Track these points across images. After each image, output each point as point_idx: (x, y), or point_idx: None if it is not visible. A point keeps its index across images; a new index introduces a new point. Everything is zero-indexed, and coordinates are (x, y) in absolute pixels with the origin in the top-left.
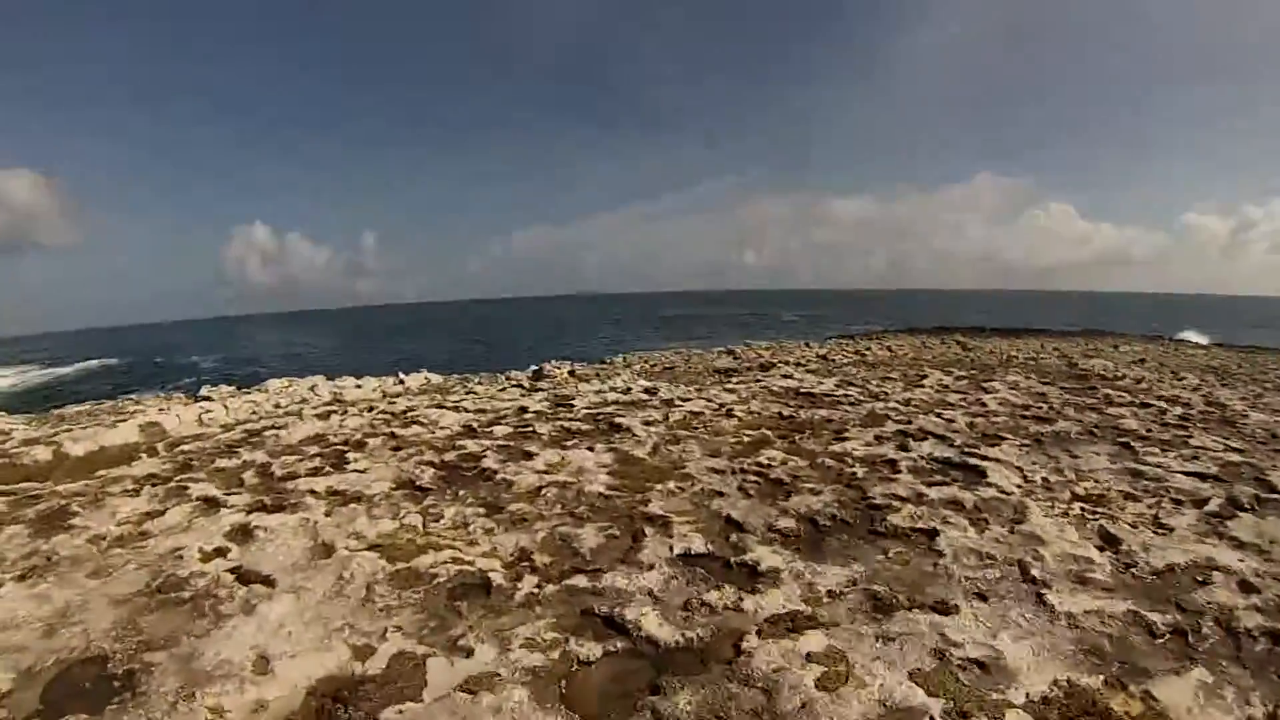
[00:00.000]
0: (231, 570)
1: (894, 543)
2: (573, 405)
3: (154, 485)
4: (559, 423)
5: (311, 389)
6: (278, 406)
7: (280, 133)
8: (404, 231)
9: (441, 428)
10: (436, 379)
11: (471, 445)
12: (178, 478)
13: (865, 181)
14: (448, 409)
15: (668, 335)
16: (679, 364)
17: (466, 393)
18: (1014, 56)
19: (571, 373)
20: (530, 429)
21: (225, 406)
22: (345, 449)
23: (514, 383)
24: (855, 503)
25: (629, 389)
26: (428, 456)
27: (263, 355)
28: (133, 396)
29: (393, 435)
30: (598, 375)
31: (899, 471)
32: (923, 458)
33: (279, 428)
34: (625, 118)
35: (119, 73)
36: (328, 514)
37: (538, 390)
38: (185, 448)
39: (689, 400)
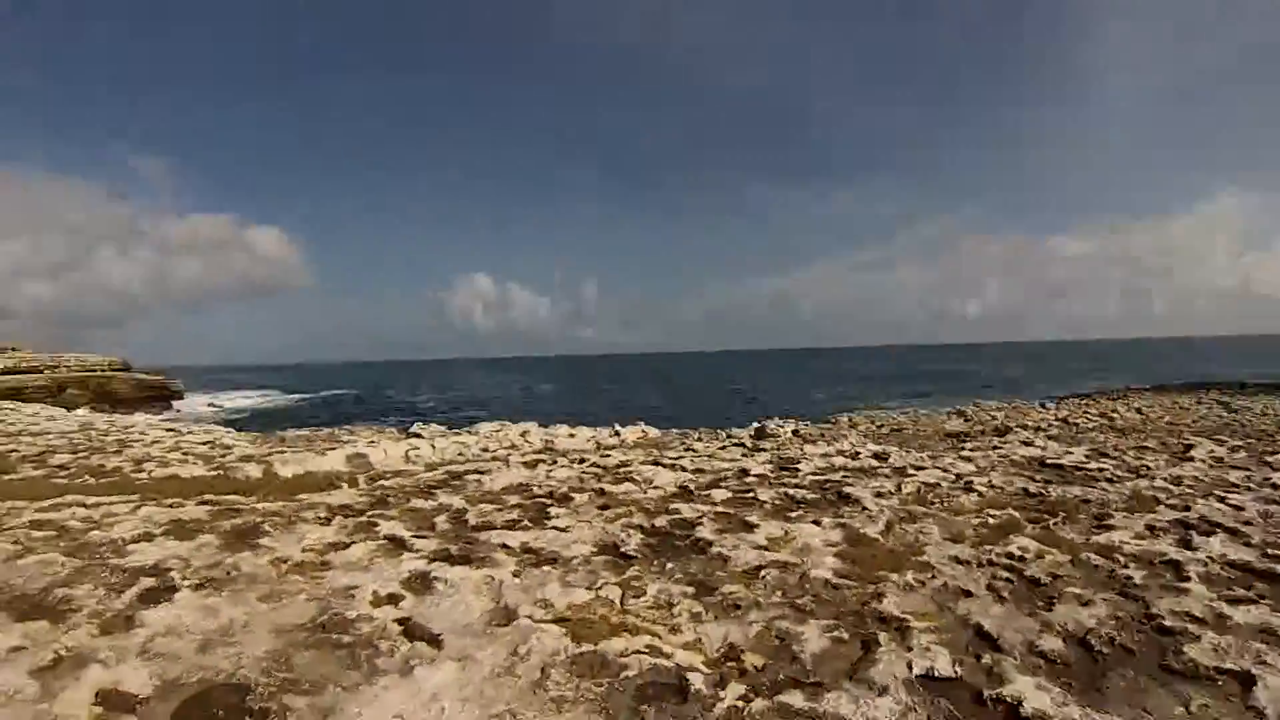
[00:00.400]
0: (400, 621)
1: (1195, 688)
2: (798, 469)
3: (346, 516)
4: (782, 489)
5: (523, 435)
6: (485, 450)
7: (502, 193)
8: (622, 282)
9: (655, 487)
10: (654, 433)
11: (686, 510)
12: (370, 512)
13: (1090, 213)
14: (664, 466)
15: (888, 392)
16: (907, 426)
17: (685, 450)
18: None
19: (795, 433)
20: (751, 494)
21: (433, 445)
22: (548, 502)
23: (735, 441)
24: (1138, 621)
25: (857, 453)
26: (637, 519)
27: (480, 397)
28: (349, 427)
29: (601, 491)
30: (823, 436)
31: (1187, 578)
32: (1214, 559)
33: (482, 472)
34: (822, 163)
35: (347, 134)
36: (516, 574)
37: (760, 451)
38: (385, 483)
39: (922, 469)
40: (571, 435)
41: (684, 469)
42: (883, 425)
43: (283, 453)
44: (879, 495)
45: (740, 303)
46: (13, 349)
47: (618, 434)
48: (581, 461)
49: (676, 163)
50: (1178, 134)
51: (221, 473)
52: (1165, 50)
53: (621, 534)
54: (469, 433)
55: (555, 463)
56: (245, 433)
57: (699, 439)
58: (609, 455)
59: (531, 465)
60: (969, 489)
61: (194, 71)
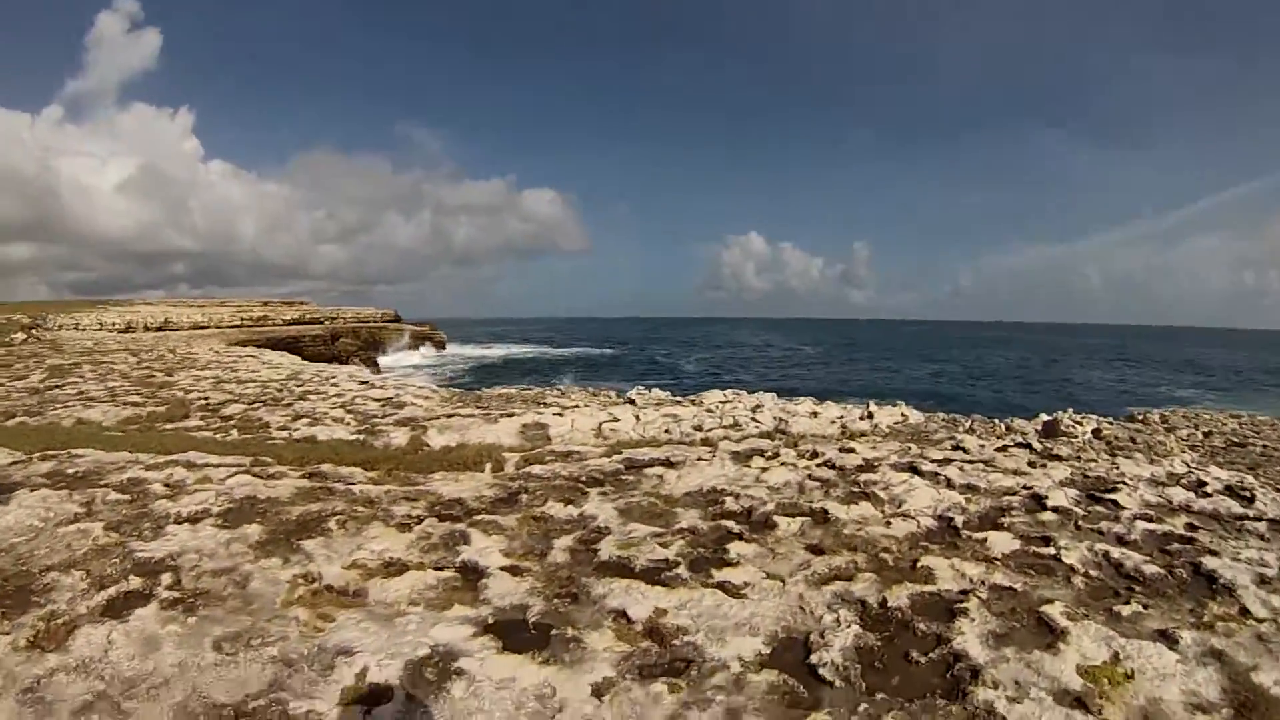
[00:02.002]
0: None
1: None
2: (1116, 503)
3: (442, 518)
4: (1100, 545)
5: (754, 410)
6: (698, 429)
7: (773, 153)
8: (896, 244)
9: (903, 514)
10: (916, 417)
11: (943, 571)
12: (480, 515)
13: None
14: (922, 476)
15: (1187, 382)
16: (1250, 437)
17: (953, 448)
18: None
19: (1097, 433)
20: (1051, 550)
21: (638, 417)
22: (737, 527)
23: (1016, 438)
24: None
25: (1201, 483)
26: (860, 584)
27: (743, 357)
28: (561, 387)
29: (824, 515)
30: (1134, 443)
31: None
32: None
33: (673, 464)
34: (1112, 123)
35: (620, 101)
36: (600, 692)
37: (1053, 459)
38: (537, 469)
39: None
40: (814, 414)
41: (950, 483)
42: (1211, 432)
43: (454, 416)
44: (1263, 581)
45: (1018, 271)
46: (301, 303)
47: (870, 416)
48: (814, 456)
49: (956, 118)
50: None
51: (364, 437)
52: None
53: (826, 616)
54: (690, 402)
55: (777, 455)
56: (447, 389)
57: (971, 429)
58: (852, 449)
59: (744, 458)
60: None
61: (471, 47)
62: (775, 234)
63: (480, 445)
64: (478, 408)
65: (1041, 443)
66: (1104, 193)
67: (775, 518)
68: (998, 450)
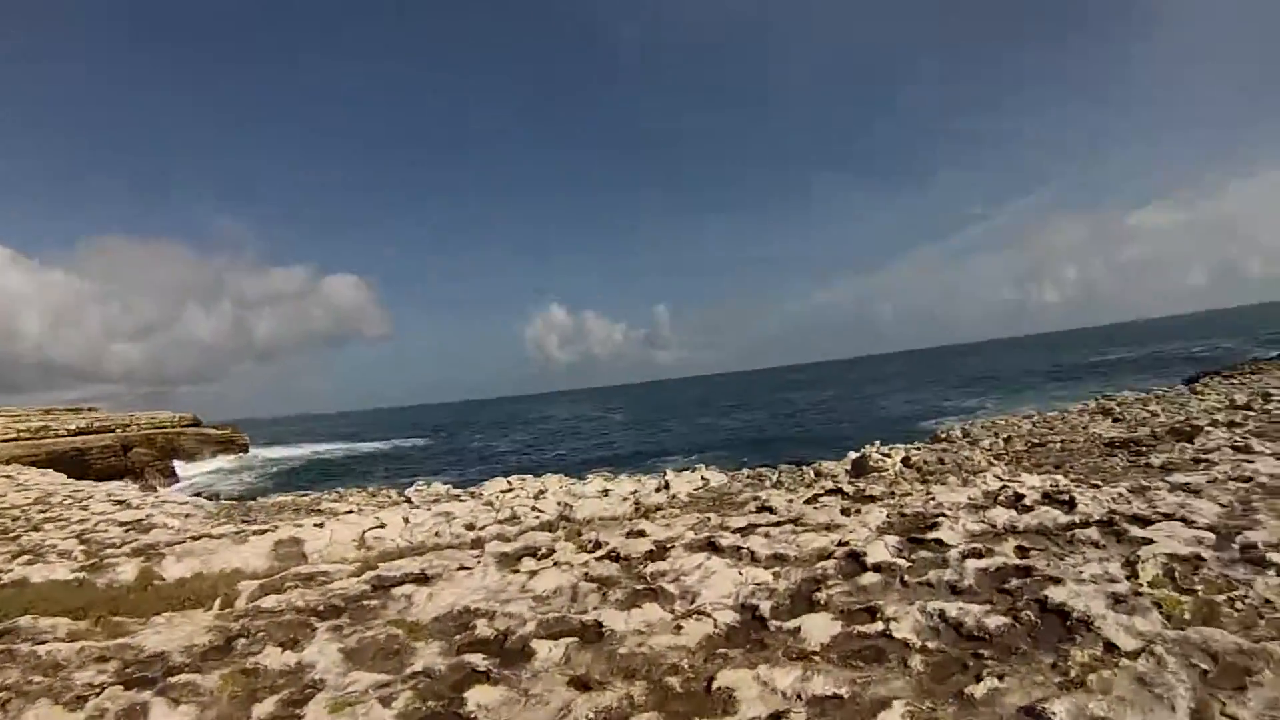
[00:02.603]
0: None
1: None
2: (941, 543)
3: (128, 686)
4: (934, 603)
5: (537, 498)
6: (470, 527)
7: (569, 219)
8: (696, 301)
9: (698, 613)
10: (717, 479)
11: (748, 688)
12: (170, 678)
13: (1168, 182)
14: (721, 554)
15: (982, 392)
16: (1047, 435)
17: (759, 508)
18: None
19: (907, 462)
20: (880, 626)
21: (407, 520)
22: (483, 663)
23: (827, 484)
24: None
25: (1018, 495)
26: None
27: (558, 431)
28: (340, 490)
29: (597, 630)
30: (942, 462)
31: None
32: None
33: (428, 579)
34: (885, 161)
35: (405, 177)
36: None
37: (866, 500)
38: (269, 601)
39: (1143, 521)
40: (604, 492)
41: (754, 556)
42: (1011, 437)
43: (202, 538)
44: (1117, 602)
45: (818, 311)
46: (89, 409)
47: (666, 486)
48: (596, 547)
49: (737, 174)
50: (1252, 81)
51: (86, 575)
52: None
53: None
54: (470, 495)
55: (552, 553)
56: (216, 503)
57: (778, 482)
58: (642, 532)
59: (513, 560)
60: (1262, 563)
61: (267, 130)
62: (576, 304)
63: (220, 574)
64: (242, 522)
65: (853, 484)
66: (885, 228)
67: (535, 642)
68: (807, 503)
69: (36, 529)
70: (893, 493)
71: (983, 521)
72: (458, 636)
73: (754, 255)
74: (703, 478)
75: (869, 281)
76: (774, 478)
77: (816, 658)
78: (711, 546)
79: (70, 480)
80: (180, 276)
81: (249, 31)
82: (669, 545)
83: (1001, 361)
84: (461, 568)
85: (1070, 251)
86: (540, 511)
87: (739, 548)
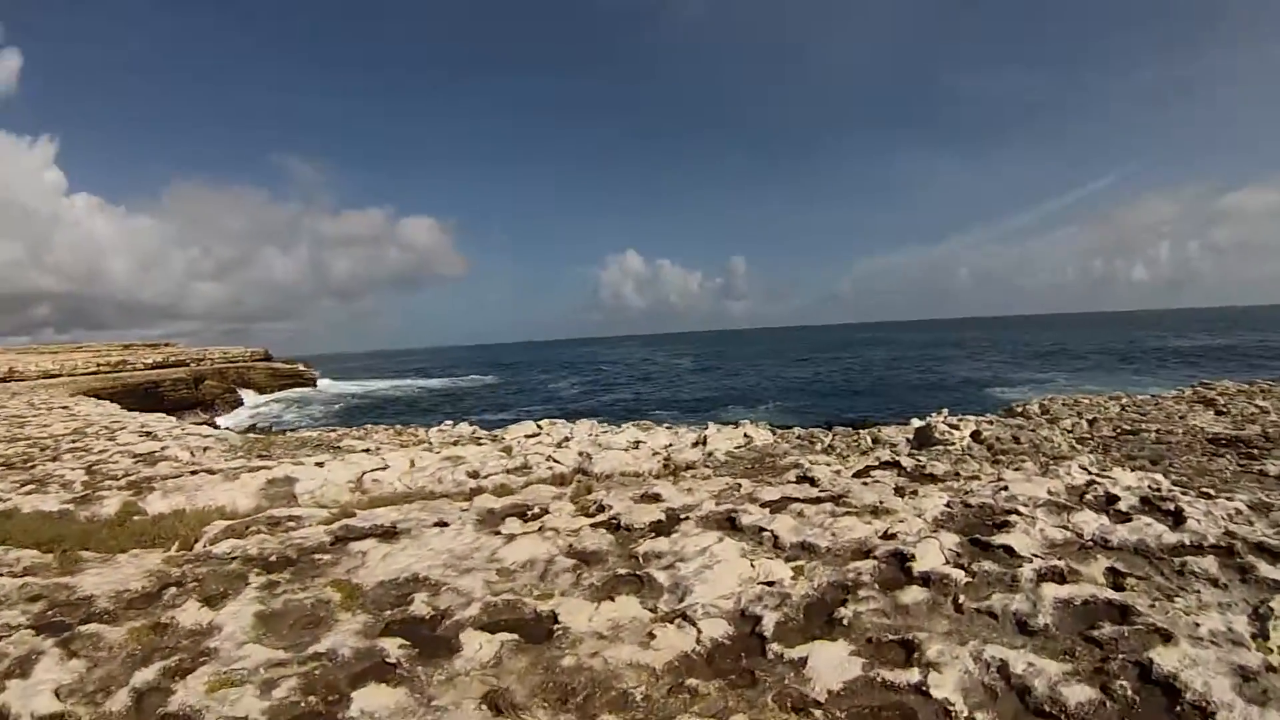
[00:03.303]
0: None
1: None
2: (1009, 550)
3: (39, 632)
4: (990, 648)
5: (559, 445)
6: (473, 474)
7: (648, 172)
8: (772, 256)
9: (683, 615)
10: (762, 438)
11: None
12: (83, 626)
13: (1273, 162)
14: (740, 531)
15: (1054, 366)
16: (1141, 422)
17: (799, 478)
18: None
19: (977, 436)
20: (914, 669)
21: (413, 463)
22: (395, 651)
23: (884, 453)
24: None
25: (1112, 497)
26: None
27: (624, 375)
28: (369, 426)
29: (549, 627)
30: (1017, 441)
31: None
32: None
33: (397, 534)
34: (971, 125)
35: (483, 126)
36: None
37: (925, 479)
38: (223, 546)
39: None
40: (635, 445)
41: (777, 542)
42: (1096, 419)
43: (199, 473)
44: (1245, 680)
45: (890, 272)
46: (166, 344)
47: (704, 442)
48: (599, 510)
49: (821, 132)
50: None
51: (73, 507)
52: None
53: None
54: (492, 439)
55: (545, 513)
56: (242, 435)
57: (830, 446)
58: (657, 495)
59: (498, 519)
60: None
61: (337, 76)
62: (652, 252)
63: (201, 511)
64: (258, 457)
65: (913, 456)
66: (966, 196)
67: (467, 633)
68: (856, 476)
69: (56, 459)
70: (958, 473)
71: (1066, 527)
72: (389, 611)
73: (828, 214)
74: (746, 434)
75: (946, 248)
76: (826, 440)
77: (818, 713)
78: (730, 523)
79: (119, 411)
80: (259, 220)
81: None
82: (682, 516)
83: (1077, 336)
84: (440, 523)
85: (1158, 230)
86: (556, 462)
87: (761, 529)
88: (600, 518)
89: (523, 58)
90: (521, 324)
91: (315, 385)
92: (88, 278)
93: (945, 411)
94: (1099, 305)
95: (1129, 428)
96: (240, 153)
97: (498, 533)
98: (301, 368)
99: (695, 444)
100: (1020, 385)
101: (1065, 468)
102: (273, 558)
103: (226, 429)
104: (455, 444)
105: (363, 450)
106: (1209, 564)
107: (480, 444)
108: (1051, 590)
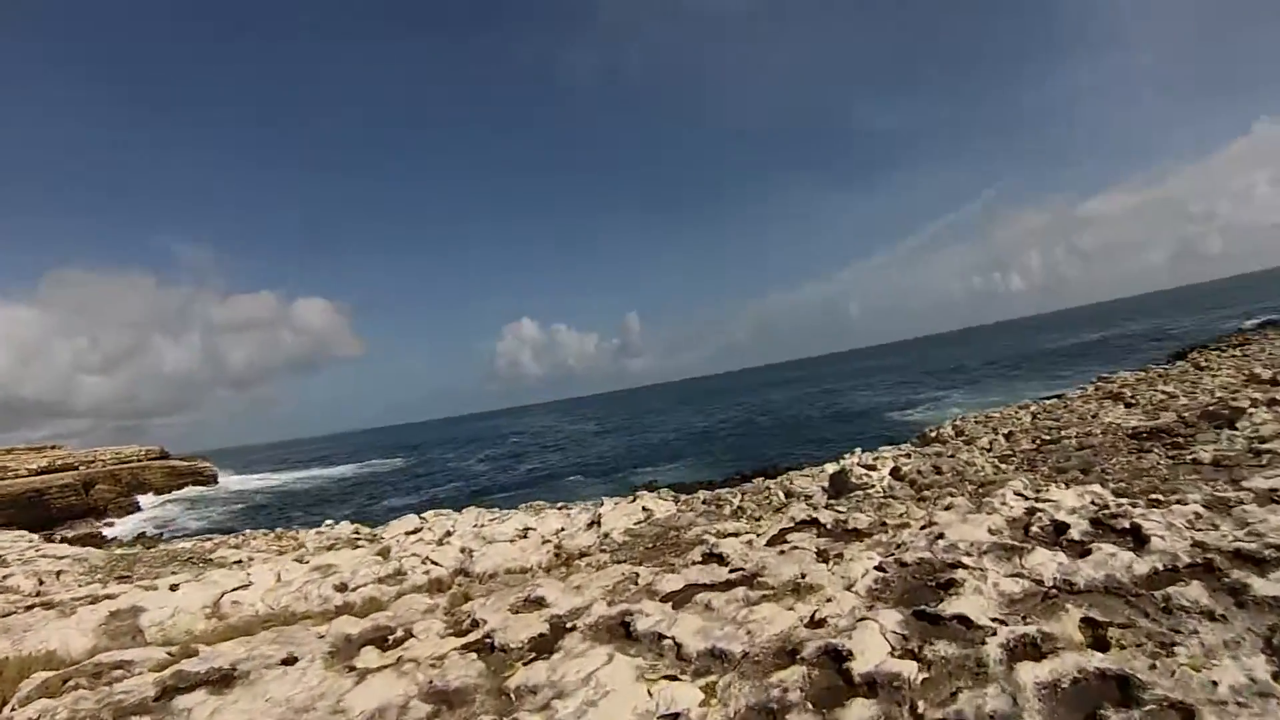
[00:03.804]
0: None
1: None
2: (966, 621)
3: None
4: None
5: (442, 539)
6: (341, 588)
7: (538, 237)
8: (665, 309)
9: None
10: (663, 510)
11: None
12: None
13: (1124, 168)
14: (635, 640)
15: (951, 385)
16: (1057, 428)
17: (706, 554)
18: None
19: (897, 474)
20: None
21: (279, 577)
22: None
23: (800, 509)
24: None
25: (1060, 525)
26: None
27: (530, 446)
28: (248, 534)
29: None
30: (939, 470)
31: None
32: None
33: (231, 681)
34: (845, 161)
35: (370, 200)
36: None
37: (848, 534)
38: (27, 711)
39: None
40: (523, 533)
41: (679, 650)
42: (1014, 433)
43: (34, 607)
44: None
45: (786, 313)
46: (52, 447)
47: (598, 522)
48: (472, 628)
49: (701, 181)
50: (1201, 75)
51: None
52: None
53: None
54: (369, 540)
55: (405, 640)
56: (109, 551)
57: (739, 509)
58: (541, 599)
59: (350, 651)
60: None
61: (221, 157)
62: (548, 318)
63: (28, 659)
64: (118, 579)
65: (832, 508)
66: (854, 229)
67: None
68: (771, 544)
69: None
70: (884, 522)
71: (1021, 574)
72: None
73: (720, 261)
74: (644, 508)
75: (834, 281)
76: (735, 502)
77: None
78: (624, 631)
79: None
80: (146, 307)
81: (210, 53)
82: (568, 625)
83: (967, 351)
84: (287, 660)
85: (1029, 240)
86: (434, 564)
87: (661, 636)
88: (473, 636)
89: (407, 116)
90: (425, 402)
91: (216, 481)
92: None
93: (859, 452)
94: (983, 318)
95: (1048, 436)
96: (121, 235)
97: (352, 668)
98: (200, 464)
99: (590, 524)
100: (920, 405)
101: (999, 497)
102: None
103: (114, 538)
104: (331, 548)
105: (234, 563)
106: (1196, 592)
107: (357, 547)
108: (1029, 672)
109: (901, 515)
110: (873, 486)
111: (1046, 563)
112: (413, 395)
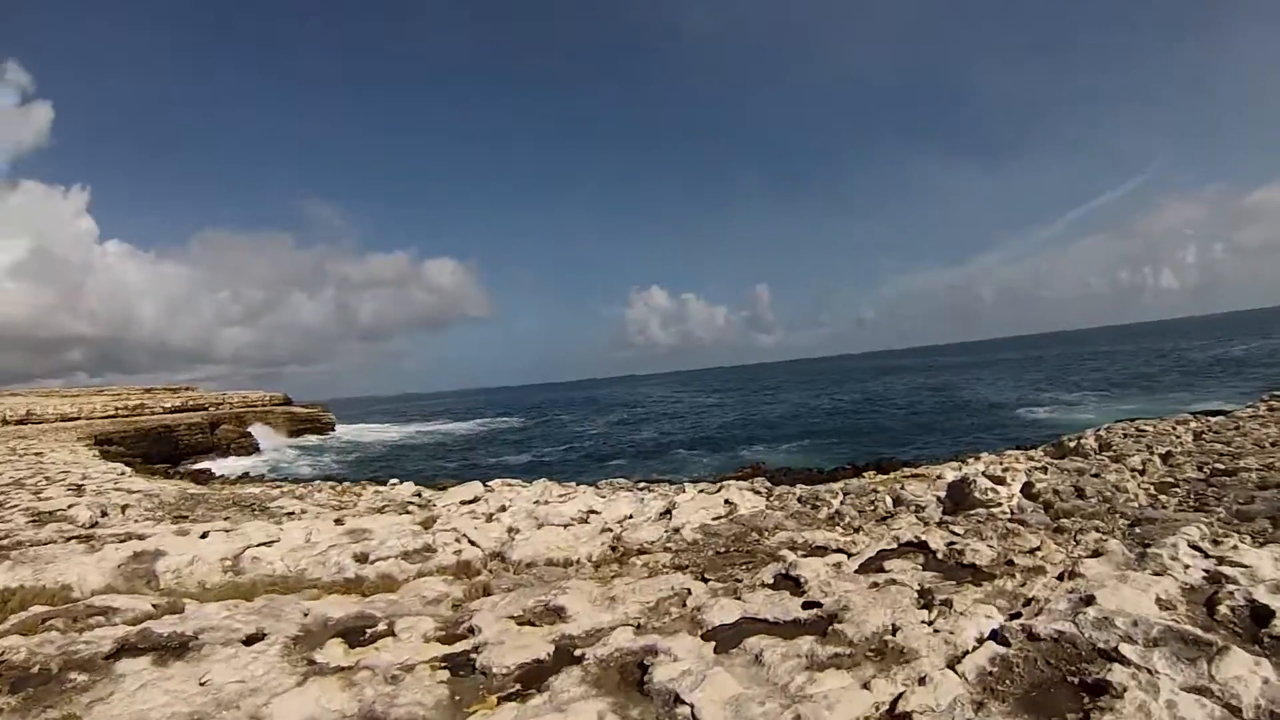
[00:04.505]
0: None
1: None
2: None
3: None
4: None
5: (493, 515)
6: (361, 558)
7: (669, 206)
8: (796, 284)
9: None
10: (748, 505)
11: None
12: None
13: None
14: (647, 696)
15: (1085, 386)
16: (1228, 454)
17: (779, 575)
18: None
19: (1028, 490)
20: None
21: (309, 537)
22: None
23: (905, 518)
24: None
25: (1250, 601)
26: None
27: (648, 414)
28: (316, 482)
29: None
30: (1081, 493)
31: None
32: None
33: (182, 652)
34: (990, 139)
35: (503, 166)
36: None
37: (963, 569)
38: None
39: None
40: (584, 518)
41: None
42: (1172, 453)
43: (69, 539)
44: None
45: (918, 295)
46: (186, 388)
47: (668, 513)
48: (466, 635)
49: (834, 152)
50: None
51: None
52: None
53: None
54: (419, 507)
55: (380, 639)
56: (176, 484)
57: (834, 516)
58: (561, 609)
59: (314, 641)
60: None
61: (363, 119)
62: (678, 287)
63: (40, 590)
64: (175, 518)
65: (946, 526)
66: (987, 208)
67: None
68: (863, 570)
69: None
70: (1010, 559)
71: (1207, 687)
72: None
73: (853, 237)
74: (727, 501)
75: (971, 266)
76: (834, 504)
77: None
78: (637, 677)
79: (88, 460)
80: (284, 264)
81: (345, 22)
82: (575, 652)
83: (1109, 350)
84: (252, 636)
85: (1183, 234)
86: (471, 543)
87: (677, 700)
88: (459, 646)
89: (534, 79)
90: (549, 364)
91: (334, 429)
92: (119, 323)
93: (985, 457)
94: (1128, 317)
95: (1221, 465)
96: (263, 197)
97: (310, 661)
98: (320, 413)
99: (662, 514)
100: (1047, 405)
101: (1167, 548)
102: (33, 669)
103: (221, 475)
104: (382, 509)
105: (287, 514)
106: None
107: (407, 512)
108: None
109: (1034, 551)
110: (999, 505)
111: (1247, 676)
112: (539, 357)
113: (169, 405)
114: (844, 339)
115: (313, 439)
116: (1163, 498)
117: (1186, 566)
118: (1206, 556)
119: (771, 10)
